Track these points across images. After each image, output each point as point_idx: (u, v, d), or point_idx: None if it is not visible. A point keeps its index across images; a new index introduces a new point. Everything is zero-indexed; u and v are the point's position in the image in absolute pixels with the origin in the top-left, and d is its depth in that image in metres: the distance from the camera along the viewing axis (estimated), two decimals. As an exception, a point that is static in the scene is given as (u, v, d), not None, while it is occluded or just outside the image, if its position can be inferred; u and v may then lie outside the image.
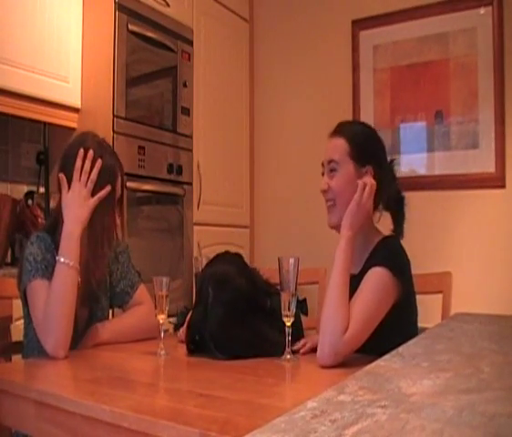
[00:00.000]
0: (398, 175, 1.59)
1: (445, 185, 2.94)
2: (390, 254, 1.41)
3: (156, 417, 0.93)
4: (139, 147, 2.57)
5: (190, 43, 2.94)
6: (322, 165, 1.57)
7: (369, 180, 1.42)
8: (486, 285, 2.78)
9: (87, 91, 2.54)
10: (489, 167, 2.85)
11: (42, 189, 2.57)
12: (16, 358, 1.67)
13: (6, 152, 2.56)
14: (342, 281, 1.34)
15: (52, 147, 2.61)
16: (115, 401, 1.02)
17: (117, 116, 2.46)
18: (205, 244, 2.90)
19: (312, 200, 3.45)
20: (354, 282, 1.37)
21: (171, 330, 1.86)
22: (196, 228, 2.93)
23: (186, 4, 2.97)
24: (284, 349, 1.36)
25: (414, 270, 1.54)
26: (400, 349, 0.87)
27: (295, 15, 3.50)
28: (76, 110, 2.54)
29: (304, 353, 1.43)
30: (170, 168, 2.75)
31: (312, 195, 3.47)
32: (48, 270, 1.42)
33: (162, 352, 1.44)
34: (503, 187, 2.82)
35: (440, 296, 1.72)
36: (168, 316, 1.52)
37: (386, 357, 0.81)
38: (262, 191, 3.53)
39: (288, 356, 1.34)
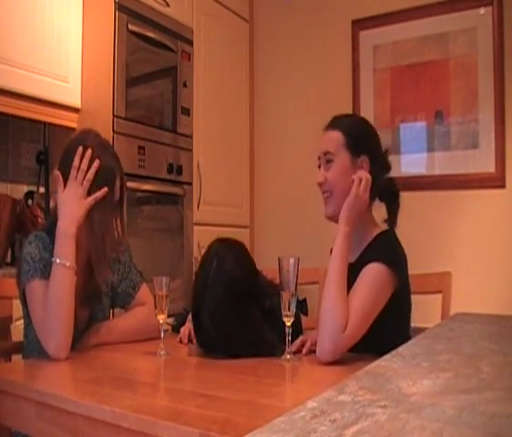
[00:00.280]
0: (398, 175, 1.60)
1: (445, 185, 2.94)
2: (386, 248, 1.43)
3: (156, 417, 0.93)
4: (139, 147, 2.57)
5: (190, 43, 2.94)
6: (319, 158, 1.58)
7: (364, 174, 1.43)
8: (486, 285, 2.78)
9: (87, 91, 2.54)
10: (489, 167, 2.85)
11: (42, 189, 2.57)
12: (16, 358, 1.67)
13: (6, 152, 2.56)
14: (339, 277, 1.36)
15: (52, 147, 2.61)
16: (115, 402, 1.02)
17: (117, 116, 2.46)
18: (205, 244, 2.87)
19: (312, 200, 3.44)
20: (350, 271, 1.39)
21: (171, 331, 1.86)
22: (196, 228, 2.93)
23: (186, 4, 2.97)
24: (279, 351, 1.36)
25: (415, 270, 1.55)
26: (400, 349, 0.87)
27: (295, 15, 3.50)
28: (76, 110, 2.54)
29: (306, 353, 1.43)
30: (170, 168, 2.75)
31: (312, 195, 3.47)
32: (47, 270, 1.41)
33: (162, 352, 1.44)
34: (503, 187, 2.82)
35: (440, 296, 1.72)
36: (168, 316, 1.52)
37: (386, 357, 0.81)
38: (262, 191, 3.53)
39: (288, 356, 1.34)
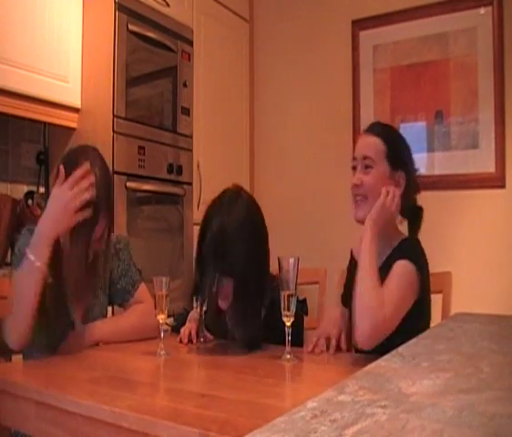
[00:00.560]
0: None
1: (445, 185, 2.94)
2: (414, 252, 1.46)
3: (156, 417, 0.93)
4: (139, 147, 2.57)
5: (190, 43, 2.94)
6: (354, 158, 1.57)
7: (392, 188, 1.47)
8: (486, 285, 2.78)
9: (86, 91, 2.54)
10: (489, 167, 2.85)
11: (42, 189, 2.57)
12: (16, 358, 1.67)
13: (6, 152, 2.56)
14: (373, 272, 1.37)
15: (52, 147, 2.61)
16: (115, 402, 1.02)
17: (117, 116, 2.46)
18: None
19: (313, 200, 3.46)
20: (386, 263, 1.43)
21: (171, 331, 1.86)
22: (196, 228, 2.90)
23: (186, 4, 2.97)
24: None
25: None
26: (400, 349, 0.87)
27: (295, 15, 3.50)
28: (76, 110, 2.54)
29: (321, 352, 1.44)
30: (170, 168, 2.75)
31: (312, 195, 3.48)
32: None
33: (162, 352, 1.44)
34: (503, 187, 2.82)
35: (440, 296, 1.72)
36: (168, 316, 1.52)
37: (386, 357, 0.81)
38: (262, 191, 3.53)
39: (288, 356, 1.35)
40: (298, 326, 1.47)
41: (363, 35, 3.24)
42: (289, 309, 1.34)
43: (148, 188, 2.64)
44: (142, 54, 2.65)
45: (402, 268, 1.40)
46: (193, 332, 1.61)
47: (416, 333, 1.16)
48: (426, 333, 1.03)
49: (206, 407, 1.00)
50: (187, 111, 2.89)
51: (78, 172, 1.40)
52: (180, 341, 1.61)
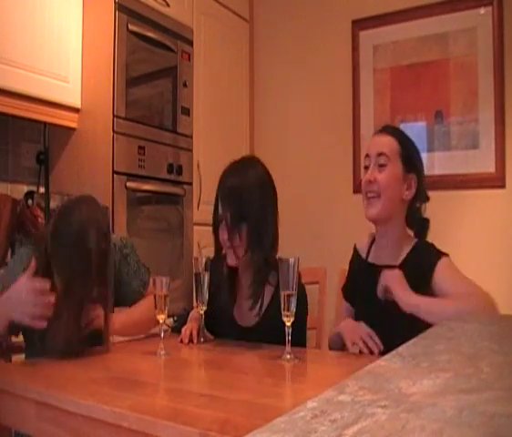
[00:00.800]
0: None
1: (445, 185, 2.94)
2: (439, 250, 1.56)
3: (156, 417, 0.93)
4: (139, 147, 2.57)
5: (190, 43, 2.94)
6: (367, 156, 1.58)
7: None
8: (486, 285, 2.76)
9: (86, 91, 2.54)
10: (489, 167, 2.85)
11: (42, 189, 2.57)
12: (16, 358, 1.67)
13: (6, 152, 2.56)
14: (428, 300, 1.44)
15: (52, 147, 2.61)
16: (115, 401, 1.02)
17: (117, 116, 2.46)
18: (205, 244, 2.89)
19: (313, 200, 3.46)
20: (407, 261, 1.51)
21: (171, 332, 1.86)
22: (196, 228, 2.93)
23: (186, 4, 2.97)
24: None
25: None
26: (400, 349, 0.87)
27: (295, 15, 3.50)
28: (76, 110, 2.54)
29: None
30: (170, 168, 2.75)
31: (312, 195, 3.48)
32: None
33: (162, 352, 1.44)
34: (503, 187, 2.82)
35: (440, 296, 1.72)
36: (168, 316, 1.52)
37: (386, 357, 0.81)
38: (262, 191, 3.53)
39: (288, 356, 1.35)
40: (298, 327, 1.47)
41: (363, 35, 3.24)
42: (289, 310, 1.34)
43: (148, 187, 2.64)
44: (142, 54, 2.65)
45: (446, 263, 1.52)
46: (194, 332, 1.61)
47: (417, 333, 1.16)
48: (426, 333, 1.03)
49: (206, 407, 1.00)
50: (187, 111, 2.89)
51: (42, 285, 1.32)
52: (181, 341, 1.61)
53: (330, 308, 1.99)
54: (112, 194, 2.43)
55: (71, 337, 1.35)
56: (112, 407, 0.98)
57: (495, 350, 0.88)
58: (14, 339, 1.61)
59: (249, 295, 1.60)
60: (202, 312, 1.62)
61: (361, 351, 1.46)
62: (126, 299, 1.68)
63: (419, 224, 1.63)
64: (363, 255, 1.70)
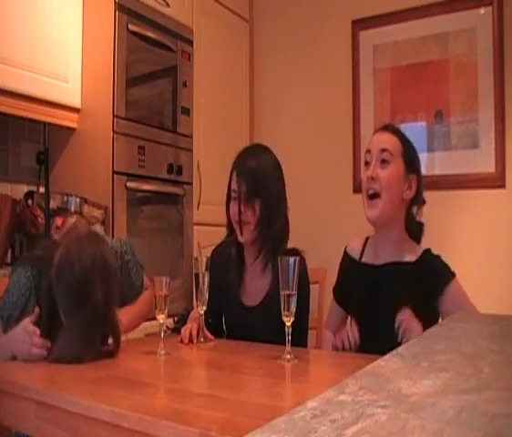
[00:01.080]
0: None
1: (445, 185, 2.94)
2: (448, 267, 1.56)
3: (156, 417, 0.93)
4: (139, 147, 2.57)
5: (190, 43, 2.94)
6: (368, 152, 1.57)
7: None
8: (486, 285, 2.78)
9: (86, 91, 2.54)
10: (489, 167, 2.85)
11: (42, 189, 2.56)
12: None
13: (6, 152, 2.56)
14: None
15: (52, 147, 2.61)
16: (115, 401, 1.02)
17: (117, 117, 2.46)
18: (205, 244, 2.89)
19: (313, 200, 3.45)
20: (413, 270, 1.52)
21: (171, 332, 1.86)
22: (196, 228, 2.93)
23: (186, 4, 2.97)
24: None
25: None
26: (400, 349, 0.87)
27: (295, 15, 3.50)
28: (76, 110, 2.54)
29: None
30: (170, 168, 2.75)
31: (312, 195, 3.48)
32: (9, 322, 1.41)
33: (162, 352, 1.44)
34: (503, 187, 2.82)
35: (440, 296, 1.72)
36: (168, 316, 1.52)
37: (386, 357, 0.81)
38: (262, 191, 3.53)
39: (288, 356, 1.34)
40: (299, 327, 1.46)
41: (363, 35, 3.24)
42: (289, 310, 1.34)
43: (148, 188, 2.64)
44: (142, 54, 2.65)
45: (457, 288, 1.52)
46: (194, 332, 1.62)
47: None
48: (426, 333, 1.03)
49: (206, 407, 1.00)
50: (187, 111, 2.89)
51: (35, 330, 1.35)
52: (181, 341, 1.61)
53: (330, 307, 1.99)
54: (112, 194, 2.43)
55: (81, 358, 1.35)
56: (112, 407, 0.98)
57: (495, 349, 0.88)
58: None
59: (260, 267, 1.70)
60: (202, 312, 1.62)
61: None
62: (128, 298, 1.69)
63: (415, 227, 1.62)
64: (356, 257, 1.68)
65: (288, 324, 1.35)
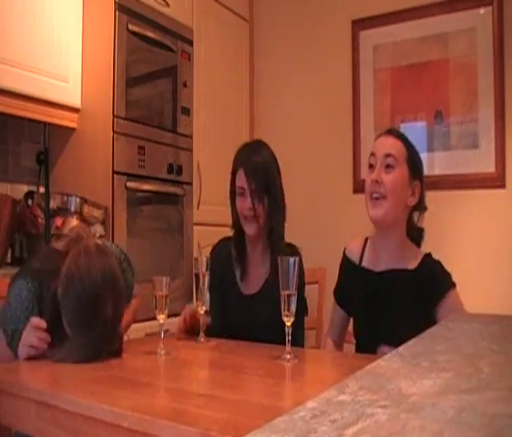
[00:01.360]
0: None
1: (445, 185, 2.94)
2: (448, 275, 1.54)
3: (156, 417, 0.93)
4: (139, 147, 2.57)
5: (190, 43, 2.94)
6: (373, 155, 1.56)
7: None
8: (487, 285, 2.78)
9: (86, 91, 2.54)
10: (489, 167, 2.85)
11: (42, 189, 2.56)
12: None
13: (6, 152, 2.56)
14: None
15: (52, 147, 2.61)
16: (115, 401, 1.02)
17: (117, 117, 2.46)
18: (205, 244, 2.89)
19: (313, 200, 3.45)
20: (413, 277, 1.51)
21: (172, 330, 1.86)
22: (196, 228, 2.93)
23: (186, 4, 2.96)
24: None
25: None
26: (400, 349, 0.87)
27: (295, 15, 3.50)
28: (76, 110, 2.54)
29: None
30: (170, 168, 2.74)
31: (312, 195, 3.48)
32: (15, 338, 1.40)
33: (162, 352, 1.44)
34: (503, 187, 2.82)
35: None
36: (169, 316, 1.52)
37: (386, 357, 0.81)
38: (262, 191, 3.53)
39: (288, 356, 1.34)
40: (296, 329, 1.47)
41: (363, 35, 3.24)
42: (289, 310, 1.34)
43: (148, 187, 2.64)
44: (142, 54, 2.65)
45: (455, 299, 1.51)
46: (186, 317, 1.68)
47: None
48: (426, 333, 1.03)
49: (206, 407, 1.00)
50: (187, 111, 2.89)
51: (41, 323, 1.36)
52: (178, 339, 1.63)
53: (329, 308, 1.99)
54: (112, 194, 2.43)
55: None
56: (112, 407, 0.98)
57: (495, 349, 0.88)
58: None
59: (268, 260, 1.76)
60: (203, 312, 1.62)
61: None
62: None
63: (416, 233, 1.62)
64: (356, 261, 1.67)
65: (288, 324, 1.35)
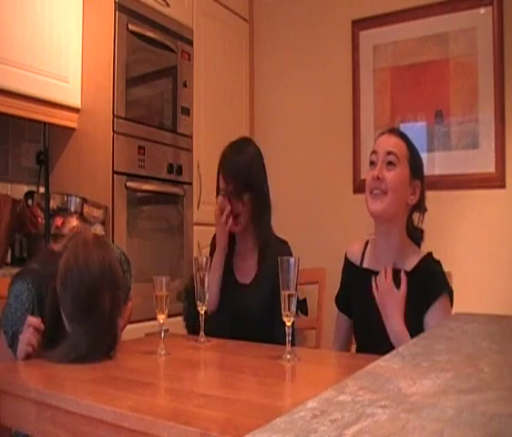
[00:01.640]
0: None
1: (445, 185, 2.94)
2: (445, 279, 1.54)
3: (156, 417, 0.93)
4: (139, 147, 2.57)
5: (190, 43, 2.94)
6: (374, 152, 1.57)
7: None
8: (487, 285, 2.78)
9: (86, 91, 2.54)
10: (489, 167, 2.85)
11: (42, 189, 2.56)
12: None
13: (6, 152, 2.56)
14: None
15: (52, 147, 2.61)
16: (115, 401, 1.02)
17: (117, 116, 2.46)
18: (205, 244, 2.89)
19: (313, 200, 3.45)
20: (411, 278, 1.49)
21: (172, 330, 1.86)
22: (196, 228, 2.93)
23: (186, 4, 2.97)
24: None
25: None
26: (400, 349, 0.87)
27: (295, 15, 3.50)
28: (76, 110, 2.54)
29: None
30: (170, 168, 2.75)
31: (312, 195, 3.48)
32: (16, 339, 1.40)
33: (162, 352, 1.44)
34: (503, 187, 2.82)
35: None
36: (169, 316, 1.52)
37: (386, 357, 0.81)
38: (262, 191, 3.53)
39: (288, 356, 1.35)
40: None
41: (363, 35, 3.24)
42: (289, 309, 1.34)
43: (148, 187, 2.64)
44: (142, 54, 2.65)
45: (445, 305, 1.49)
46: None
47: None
48: (426, 333, 1.03)
49: (206, 407, 1.00)
50: (187, 111, 2.89)
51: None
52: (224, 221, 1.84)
53: (329, 308, 1.99)
54: (112, 194, 2.43)
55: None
56: (112, 407, 0.98)
57: (495, 349, 0.88)
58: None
59: (256, 255, 1.85)
60: (203, 312, 1.62)
61: None
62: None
63: (415, 234, 1.62)
64: (357, 262, 1.67)
65: (288, 324, 1.35)
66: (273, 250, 1.81)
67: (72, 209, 2.33)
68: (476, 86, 2.89)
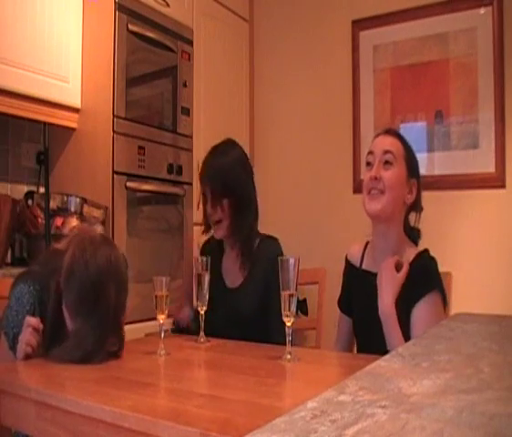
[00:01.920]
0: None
1: (445, 185, 2.94)
2: (438, 277, 1.52)
3: (156, 417, 0.93)
4: (139, 147, 2.57)
5: (190, 43, 2.94)
6: (371, 152, 1.57)
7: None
8: (486, 285, 2.78)
9: (86, 91, 2.54)
10: (489, 167, 2.85)
11: (42, 189, 2.56)
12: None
13: (6, 152, 2.56)
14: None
15: (52, 147, 2.61)
16: (115, 401, 1.02)
17: (117, 117, 2.46)
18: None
19: (313, 200, 3.46)
20: (408, 273, 1.49)
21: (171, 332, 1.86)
22: (196, 228, 2.92)
23: (186, 4, 2.96)
24: None
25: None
26: (400, 349, 0.87)
27: (295, 15, 3.50)
28: (76, 110, 2.54)
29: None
30: (170, 168, 2.75)
31: (312, 195, 3.48)
32: (17, 341, 1.40)
33: (162, 352, 1.44)
34: (503, 187, 2.82)
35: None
36: (169, 316, 1.52)
37: (386, 357, 0.81)
38: (262, 191, 3.51)
39: (288, 356, 1.35)
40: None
41: (363, 35, 3.24)
42: (289, 309, 1.34)
43: (148, 187, 2.64)
44: (142, 54, 2.65)
45: (435, 304, 1.47)
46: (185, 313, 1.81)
47: None
48: (426, 333, 1.03)
49: (206, 407, 1.00)
50: (187, 111, 2.89)
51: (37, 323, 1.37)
52: (179, 328, 1.78)
53: (329, 308, 1.99)
54: (112, 194, 2.43)
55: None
56: (112, 407, 0.98)
57: (495, 350, 0.88)
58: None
59: (239, 260, 1.84)
60: (203, 312, 1.62)
61: None
62: None
63: (413, 233, 1.62)
64: (357, 264, 1.68)
65: (288, 324, 1.35)
66: (262, 252, 1.83)
67: (72, 209, 2.33)
68: (476, 86, 2.89)
